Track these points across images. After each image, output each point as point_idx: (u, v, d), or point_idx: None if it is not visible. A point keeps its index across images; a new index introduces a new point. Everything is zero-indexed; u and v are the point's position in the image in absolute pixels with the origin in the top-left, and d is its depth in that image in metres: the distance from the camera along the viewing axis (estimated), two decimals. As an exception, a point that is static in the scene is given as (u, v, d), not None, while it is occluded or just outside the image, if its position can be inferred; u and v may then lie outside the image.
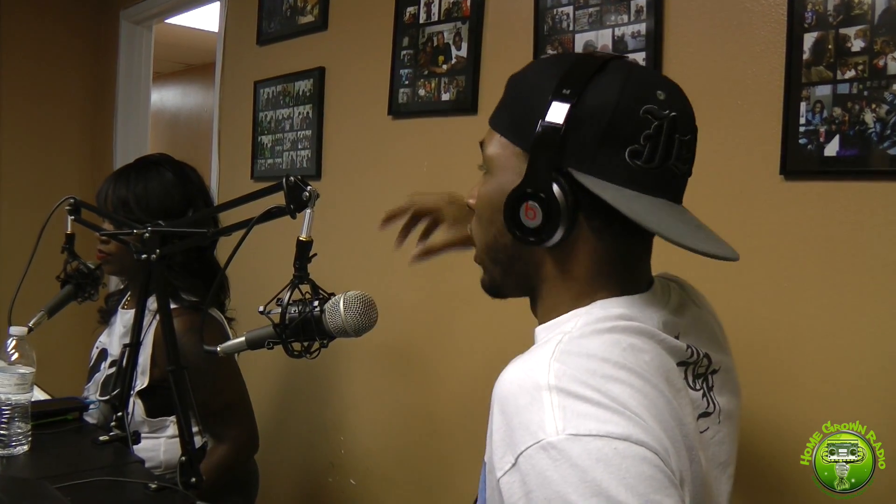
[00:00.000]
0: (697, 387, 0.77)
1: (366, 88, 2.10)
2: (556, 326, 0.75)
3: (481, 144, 0.83)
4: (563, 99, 0.72)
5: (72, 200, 1.54)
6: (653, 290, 0.80)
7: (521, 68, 0.82)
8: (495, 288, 0.86)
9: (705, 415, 0.78)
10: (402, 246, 1.20)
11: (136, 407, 1.53)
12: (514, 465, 0.63)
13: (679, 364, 0.75)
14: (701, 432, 0.76)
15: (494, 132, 0.81)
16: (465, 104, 1.78)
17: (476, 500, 0.86)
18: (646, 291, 0.78)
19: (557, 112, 0.72)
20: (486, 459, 0.70)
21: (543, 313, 0.80)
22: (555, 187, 0.72)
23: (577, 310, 0.75)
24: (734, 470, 0.84)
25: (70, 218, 1.55)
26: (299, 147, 2.35)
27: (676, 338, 0.76)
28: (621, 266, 0.77)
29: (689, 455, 0.69)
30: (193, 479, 1.21)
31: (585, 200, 0.72)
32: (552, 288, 0.79)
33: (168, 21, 3.65)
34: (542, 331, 0.77)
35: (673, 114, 0.72)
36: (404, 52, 1.95)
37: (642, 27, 1.44)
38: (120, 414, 1.41)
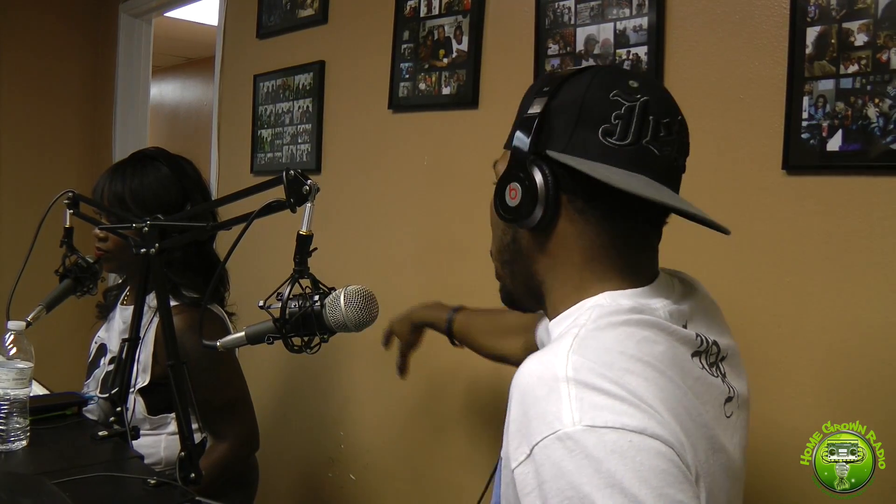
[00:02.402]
0: (715, 374, 0.78)
1: (366, 82, 2.09)
2: (568, 318, 0.76)
3: (494, 165, 0.87)
4: (541, 95, 0.78)
5: (70, 194, 1.53)
6: (658, 281, 0.81)
7: None
8: (509, 296, 0.89)
9: (729, 399, 0.79)
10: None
11: (137, 404, 1.53)
12: (528, 455, 0.64)
13: (693, 354, 0.76)
14: (727, 416, 0.78)
15: (504, 150, 0.85)
16: (466, 98, 1.77)
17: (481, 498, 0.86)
18: (651, 283, 0.79)
19: (535, 105, 0.77)
20: (503, 454, 0.71)
21: (552, 311, 0.81)
22: (533, 168, 0.76)
23: (585, 301, 0.76)
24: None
25: (69, 212, 1.54)
26: (299, 141, 2.34)
27: (684, 327, 0.77)
28: (616, 252, 0.78)
29: (708, 445, 0.70)
30: (193, 475, 1.20)
31: (566, 182, 0.76)
32: (553, 282, 0.80)
33: (167, 14, 3.63)
34: (554, 325, 0.79)
35: (645, 98, 0.75)
36: (405, 46, 1.94)
37: (644, 21, 1.44)
38: (119, 409, 1.40)
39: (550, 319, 0.81)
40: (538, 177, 0.76)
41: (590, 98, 0.76)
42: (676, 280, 0.85)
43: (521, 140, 0.77)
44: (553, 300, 0.81)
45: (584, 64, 1.53)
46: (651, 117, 0.75)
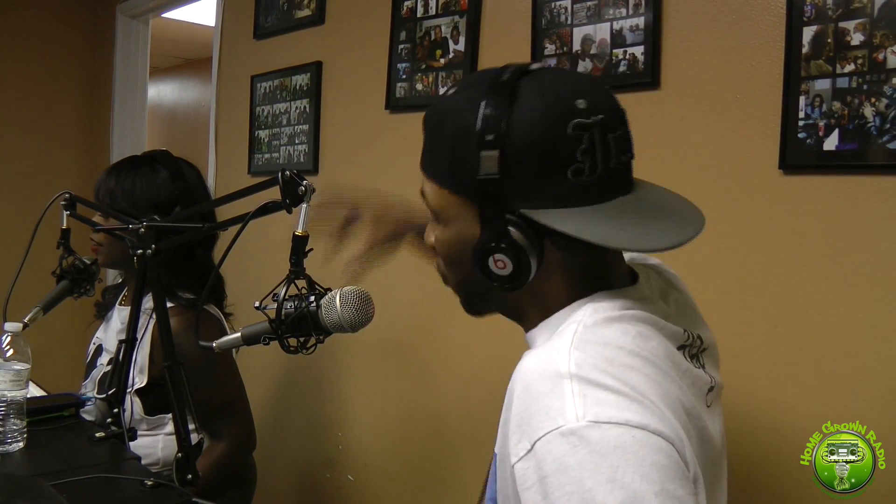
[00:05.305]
0: (697, 365, 0.79)
1: (363, 83, 2.09)
2: (560, 318, 0.75)
3: (422, 193, 0.82)
4: (489, 146, 0.71)
5: (67, 195, 1.52)
6: (640, 280, 0.81)
7: (434, 104, 0.81)
8: (475, 311, 0.87)
9: (710, 389, 0.80)
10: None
11: (135, 405, 1.53)
12: (529, 450, 0.63)
13: (679, 348, 0.77)
14: (708, 406, 0.78)
15: (432, 181, 0.80)
16: (463, 98, 1.77)
17: (482, 494, 0.87)
18: (633, 284, 0.80)
19: (489, 163, 0.71)
20: (498, 450, 0.71)
21: (530, 324, 0.81)
22: (512, 231, 0.72)
23: (576, 303, 0.76)
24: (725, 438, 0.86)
25: (66, 213, 1.54)
26: (296, 142, 2.34)
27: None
28: (600, 268, 0.78)
29: (700, 436, 0.70)
30: (190, 476, 1.20)
31: (545, 227, 0.72)
32: (538, 307, 0.79)
33: (164, 15, 3.63)
34: (543, 327, 0.78)
35: (600, 117, 0.71)
36: (402, 47, 1.94)
37: (641, 21, 1.44)
38: (116, 411, 1.40)
39: (529, 329, 0.80)
40: (520, 239, 0.72)
41: (549, 140, 0.70)
42: (653, 273, 0.87)
43: (488, 202, 0.73)
44: (532, 317, 0.80)
45: (580, 65, 1.53)
46: (610, 136, 0.72)
